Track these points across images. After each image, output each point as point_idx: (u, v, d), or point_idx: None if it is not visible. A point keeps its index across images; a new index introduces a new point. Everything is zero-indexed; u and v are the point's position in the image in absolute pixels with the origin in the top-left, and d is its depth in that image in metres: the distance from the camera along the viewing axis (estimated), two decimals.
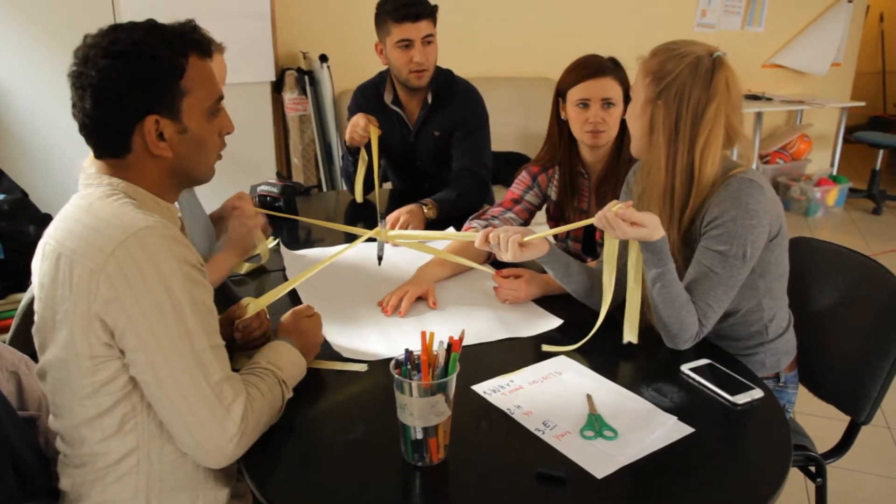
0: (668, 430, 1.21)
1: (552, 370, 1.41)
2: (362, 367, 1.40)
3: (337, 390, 1.35)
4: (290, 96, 3.81)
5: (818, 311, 1.76)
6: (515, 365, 1.42)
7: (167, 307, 1.04)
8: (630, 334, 1.47)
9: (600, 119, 1.84)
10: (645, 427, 1.21)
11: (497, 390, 1.33)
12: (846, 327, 1.70)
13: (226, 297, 1.69)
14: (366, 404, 1.32)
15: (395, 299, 1.65)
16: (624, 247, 1.48)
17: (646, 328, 1.51)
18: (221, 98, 1.19)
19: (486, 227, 1.93)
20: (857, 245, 4.50)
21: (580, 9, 4.70)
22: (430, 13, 2.29)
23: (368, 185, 2.44)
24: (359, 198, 2.49)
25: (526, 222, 2.06)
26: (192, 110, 1.13)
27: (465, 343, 1.14)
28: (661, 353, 1.49)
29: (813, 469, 1.65)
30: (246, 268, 1.86)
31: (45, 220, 2.50)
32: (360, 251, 1.89)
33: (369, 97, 2.50)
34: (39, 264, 1.14)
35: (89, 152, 1.16)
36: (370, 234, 1.72)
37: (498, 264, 1.78)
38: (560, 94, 1.92)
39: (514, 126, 4.42)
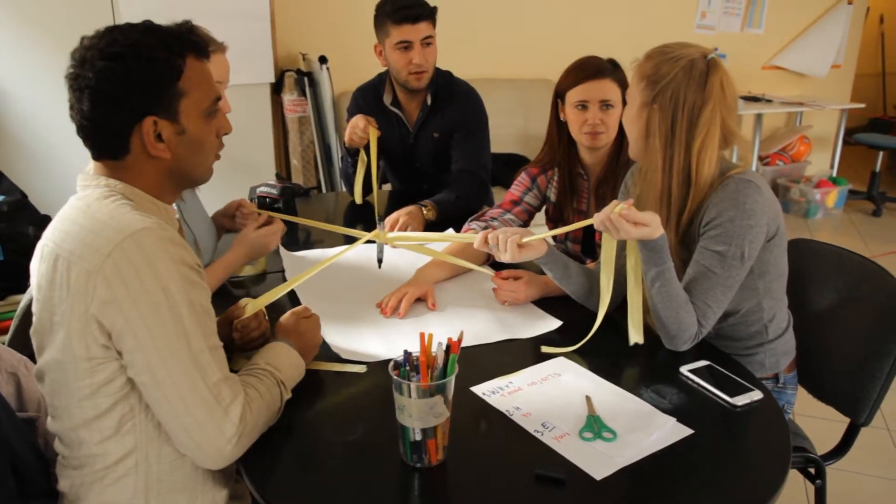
0: (667, 431, 1.21)
1: (551, 371, 1.41)
2: (361, 369, 1.40)
3: (336, 391, 1.35)
4: (289, 98, 3.81)
5: (818, 313, 1.76)
6: (514, 366, 1.42)
7: (164, 308, 1.04)
8: (636, 335, 1.47)
9: (599, 120, 1.84)
10: (644, 428, 1.21)
11: (496, 392, 1.33)
12: (846, 329, 1.70)
13: (225, 297, 1.69)
14: (365, 405, 1.32)
15: (394, 300, 1.64)
16: (622, 248, 1.48)
17: (645, 329, 1.52)
18: (219, 99, 1.19)
19: (485, 228, 1.93)
20: (857, 247, 4.49)
21: (580, 10, 4.70)
22: (430, 15, 2.29)
23: (368, 187, 2.44)
24: (358, 199, 2.49)
25: (525, 224, 2.06)
26: (190, 111, 1.13)
27: (464, 344, 1.14)
28: (661, 355, 1.49)
29: (812, 471, 1.65)
30: (247, 270, 1.86)
31: (45, 221, 2.50)
32: (359, 253, 1.89)
33: (368, 98, 2.50)
34: (37, 266, 1.14)
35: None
36: (369, 236, 1.72)
37: (497, 266, 1.78)
38: (559, 95, 1.92)
39: (513, 128, 4.42)
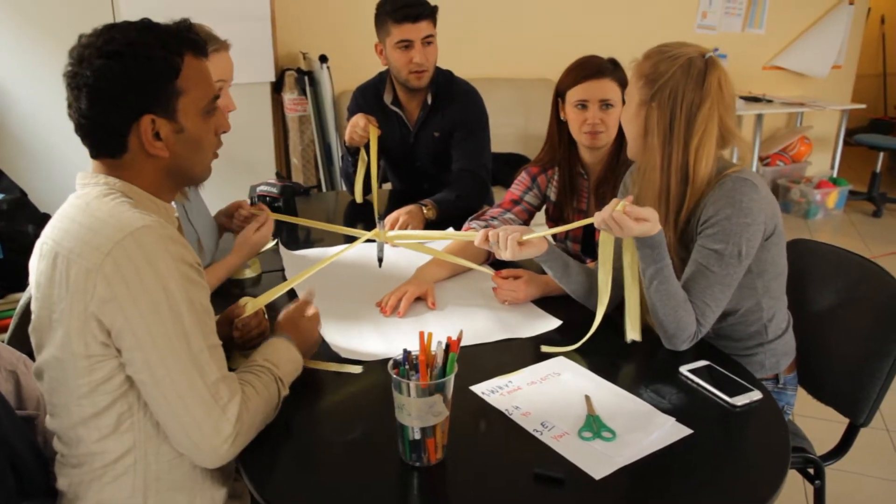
0: (666, 431, 1.21)
1: (551, 371, 1.41)
2: (357, 369, 1.40)
3: (335, 390, 1.35)
4: (289, 97, 3.81)
5: (818, 314, 1.76)
6: (514, 365, 1.42)
7: (164, 307, 1.04)
8: (633, 332, 1.47)
9: (598, 120, 1.84)
10: (643, 428, 1.21)
11: (495, 391, 1.33)
12: (845, 329, 1.70)
13: (225, 297, 1.69)
14: (364, 404, 1.32)
15: (394, 299, 1.64)
16: (621, 249, 1.48)
17: (645, 328, 1.52)
18: (217, 97, 1.19)
19: (485, 227, 1.93)
20: (857, 247, 4.50)
21: (580, 10, 4.70)
22: (430, 14, 2.29)
23: (368, 186, 2.44)
24: (358, 198, 2.49)
25: (525, 223, 2.06)
26: (188, 110, 1.13)
27: (463, 343, 1.14)
28: (660, 355, 1.48)
29: (811, 471, 1.65)
30: (246, 273, 1.86)
31: (44, 219, 2.48)
32: (359, 252, 1.89)
33: (369, 98, 2.50)
34: (37, 264, 1.14)
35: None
36: (369, 235, 1.72)
37: (497, 265, 1.78)
38: (559, 94, 1.92)
39: (513, 127, 4.42)
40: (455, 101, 2.43)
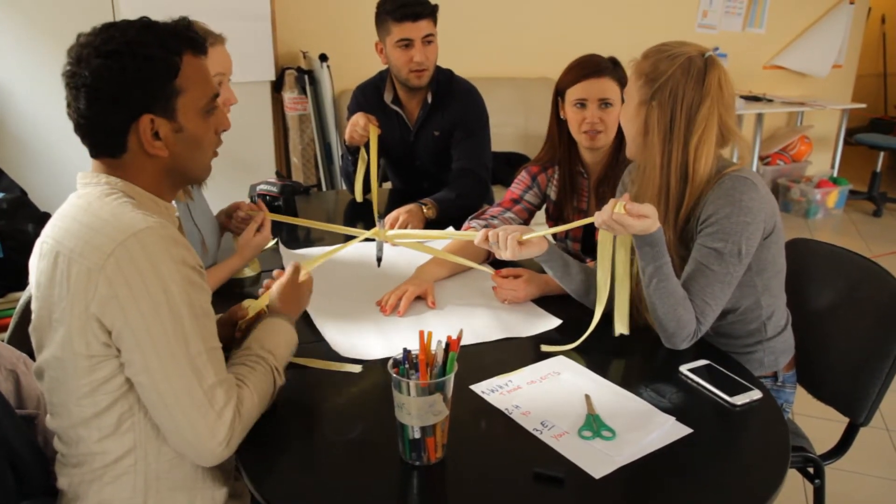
0: (666, 430, 1.21)
1: (551, 370, 1.41)
2: (357, 368, 1.40)
3: (335, 390, 1.35)
4: (289, 96, 3.81)
5: (817, 313, 1.76)
6: (514, 365, 1.42)
7: (164, 309, 1.04)
8: (621, 326, 1.48)
9: (597, 119, 1.84)
10: (643, 427, 1.21)
11: (495, 390, 1.33)
12: (845, 329, 1.70)
13: (225, 297, 1.69)
14: (364, 404, 1.32)
15: (393, 299, 1.64)
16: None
17: (645, 327, 1.52)
18: (217, 96, 1.18)
19: (485, 226, 1.93)
20: (858, 247, 4.49)
21: (581, 9, 4.70)
22: (431, 13, 2.29)
23: (368, 185, 2.44)
24: (358, 197, 2.49)
25: (525, 222, 2.06)
26: (188, 109, 1.12)
27: (463, 343, 1.14)
28: (660, 354, 1.48)
29: (811, 470, 1.65)
30: (245, 273, 1.86)
31: (44, 218, 2.49)
32: (359, 250, 1.90)
33: (369, 96, 2.50)
34: (37, 263, 1.14)
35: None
36: (369, 234, 1.72)
37: (497, 264, 1.78)
38: (559, 93, 1.92)
39: (513, 126, 4.42)
40: (455, 100, 2.43)
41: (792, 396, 1.71)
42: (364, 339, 1.51)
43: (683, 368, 1.40)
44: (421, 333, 1.12)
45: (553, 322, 1.61)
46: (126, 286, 1.02)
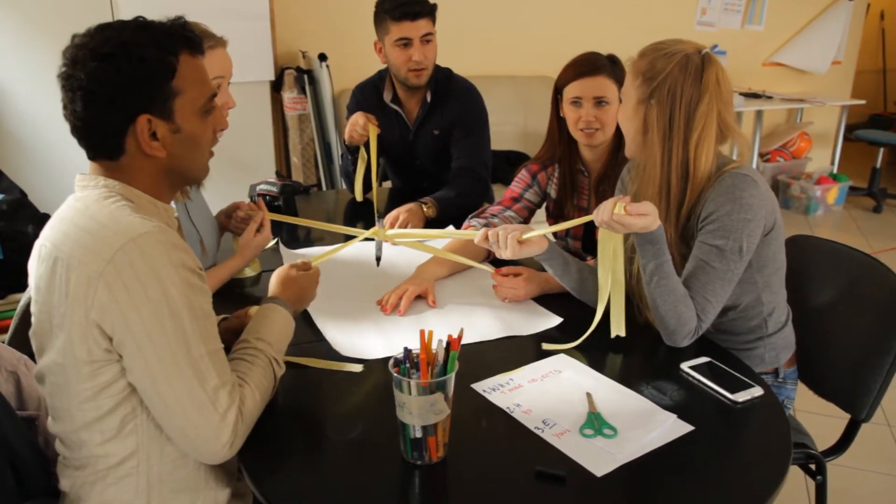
0: (667, 428, 1.21)
1: (552, 368, 1.40)
2: (358, 368, 1.40)
3: (336, 390, 1.35)
4: (289, 95, 3.81)
5: (818, 309, 1.76)
6: (515, 363, 1.42)
7: (165, 314, 1.03)
8: (617, 328, 1.47)
9: (593, 117, 1.83)
10: (644, 425, 1.21)
11: (496, 389, 1.33)
12: (846, 325, 1.70)
13: (225, 297, 1.69)
14: (365, 403, 1.32)
15: (394, 298, 1.64)
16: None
17: (645, 325, 1.52)
18: (214, 95, 1.17)
19: (485, 225, 1.93)
20: (858, 243, 4.49)
21: (580, 7, 4.70)
22: (430, 12, 2.29)
23: (368, 184, 2.44)
24: (358, 196, 2.49)
25: (525, 220, 2.06)
26: (185, 109, 1.11)
27: (464, 341, 1.14)
28: (661, 352, 1.48)
29: (813, 467, 1.65)
30: (247, 271, 1.86)
31: (44, 219, 2.48)
32: (359, 250, 1.89)
33: (368, 96, 2.50)
34: (35, 266, 1.13)
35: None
36: (368, 233, 1.72)
37: (497, 263, 1.78)
38: (558, 91, 1.91)
39: (513, 125, 4.42)
40: (454, 98, 2.43)
41: (793, 393, 1.71)
42: (365, 339, 1.51)
43: (684, 366, 1.40)
44: (422, 332, 1.12)
45: (554, 320, 1.61)
46: (125, 292, 1.02)
